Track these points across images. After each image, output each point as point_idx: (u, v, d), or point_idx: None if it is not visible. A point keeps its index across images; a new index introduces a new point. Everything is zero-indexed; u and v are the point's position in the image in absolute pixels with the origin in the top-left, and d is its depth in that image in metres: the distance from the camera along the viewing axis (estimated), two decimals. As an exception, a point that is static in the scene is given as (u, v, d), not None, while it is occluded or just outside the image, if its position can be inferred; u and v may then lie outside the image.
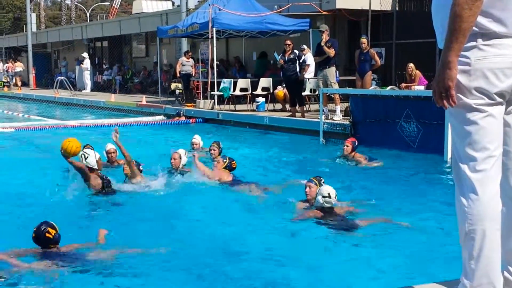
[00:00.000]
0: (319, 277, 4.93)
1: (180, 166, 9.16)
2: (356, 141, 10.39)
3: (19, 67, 38.53)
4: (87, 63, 31.37)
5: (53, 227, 5.39)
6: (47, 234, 5.32)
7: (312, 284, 4.78)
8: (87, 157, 7.98)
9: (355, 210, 6.86)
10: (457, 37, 2.69)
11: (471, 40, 2.78)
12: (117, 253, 5.45)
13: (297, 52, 15.97)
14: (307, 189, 6.96)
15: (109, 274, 5.08)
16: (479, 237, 2.77)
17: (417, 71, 15.01)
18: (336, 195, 6.60)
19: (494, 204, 2.80)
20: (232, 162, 8.64)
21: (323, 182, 7.00)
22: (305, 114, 15.44)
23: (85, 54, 32.29)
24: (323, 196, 6.51)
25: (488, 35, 2.77)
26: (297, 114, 15.42)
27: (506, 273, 2.98)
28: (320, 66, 14.90)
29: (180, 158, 9.26)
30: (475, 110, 2.80)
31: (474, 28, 2.74)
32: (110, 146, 10.01)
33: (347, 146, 10.15)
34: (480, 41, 2.79)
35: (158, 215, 6.91)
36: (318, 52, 14.90)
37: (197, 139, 11.18)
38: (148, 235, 6.07)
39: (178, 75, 21.23)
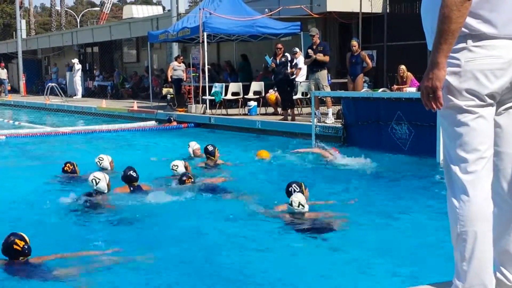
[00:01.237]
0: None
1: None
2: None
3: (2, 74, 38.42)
4: (78, 69, 31.26)
5: (22, 239, 5.23)
6: (15, 246, 5.17)
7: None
8: (98, 182, 7.70)
9: (332, 214, 6.87)
10: (446, 38, 2.70)
11: (461, 41, 2.79)
12: (92, 267, 5.27)
13: (288, 55, 16.01)
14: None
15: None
16: (471, 238, 2.78)
17: (409, 73, 15.05)
18: (303, 204, 6.65)
19: (486, 205, 2.81)
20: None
21: (305, 187, 7.00)
22: (298, 117, 15.45)
23: (75, 60, 32.21)
24: (297, 205, 6.55)
25: (478, 36, 2.78)
26: (288, 117, 15.45)
27: (498, 274, 2.99)
28: (312, 69, 14.93)
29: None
30: (465, 112, 2.81)
31: (463, 29, 2.75)
32: None
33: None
34: (470, 42, 2.80)
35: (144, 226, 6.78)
36: (308, 55, 14.92)
37: (197, 145, 11.13)
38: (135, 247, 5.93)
39: (169, 79, 21.20)
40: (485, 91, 2.79)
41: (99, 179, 7.69)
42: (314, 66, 14.78)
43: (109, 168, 9.75)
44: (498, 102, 2.86)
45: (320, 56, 14.54)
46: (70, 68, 33.66)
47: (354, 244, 5.87)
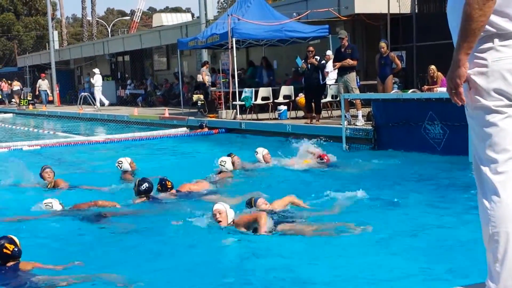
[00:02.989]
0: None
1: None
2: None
3: (16, 85, 39.24)
4: (97, 79, 31.36)
5: (12, 242, 5.18)
6: (5, 250, 5.13)
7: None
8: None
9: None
10: (467, 36, 2.70)
11: (488, 41, 2.78)
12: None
13: (318, 58, 16.01)
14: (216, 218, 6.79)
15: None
16: (503, 239, 2.76)
17: (439, 73, 14.91)
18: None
19: (517, 205, 2.78)
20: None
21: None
22: (328, 120, 15.45)
23: (96, 70, 32.52)
24: None
25: (505, 35, 2.76)
26: (314, 120, 15.45)
27: (532, 275, 2.94)
28: (340, 72, 14.91)
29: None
30: (494, 112, 2.80)
31: (490, 28, 2.74)
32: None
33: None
34: (496, 42, 2.78)
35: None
36: (338, 58, 14.89)
37: (265, 149, 10.92)
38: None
39: (207, 84, 21.23)
40: (513, 91, 2.77)
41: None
42: (343, 69, 14.77)
43: (130, 169, 9.85)
44: (527, 101, 2.83)
45: (348, 62, 14.52)
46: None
47: (387, 244, 5.85)
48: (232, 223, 6.44)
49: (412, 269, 5.06)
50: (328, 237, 6.13)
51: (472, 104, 2.84)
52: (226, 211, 6.48)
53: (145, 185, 8.04)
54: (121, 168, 9.89)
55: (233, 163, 9.86)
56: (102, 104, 28.90)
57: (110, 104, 32.10)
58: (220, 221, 6.43)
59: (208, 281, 5.05)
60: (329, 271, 5.14)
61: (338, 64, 14.61)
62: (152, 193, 8.11)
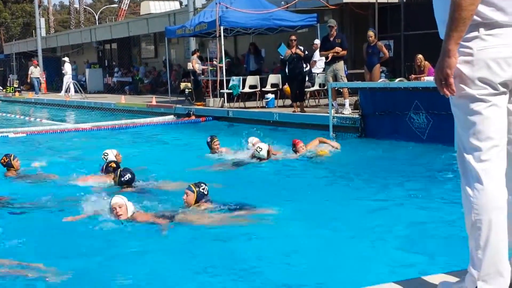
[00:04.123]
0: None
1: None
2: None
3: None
4: (67, 68, 31.17)
5: None
6: None
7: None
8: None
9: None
10: (456, 26, 2.70)
11: (473, 30, 2.78)
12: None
13: (301, 48, 16.00)
14: (184, 196, 6.85)
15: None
16: (485, 227, 2.78)
17: (426, 62, 14.95)
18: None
19: (500, 193, 2.81)
20: (202, 188, 6.91)
21: (202, 189, 6.85)
22: (315, 109, 15.46)
23: (66, 59, 32.20)
24: None
25: (490, 24, 2.77)
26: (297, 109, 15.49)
27: (514, 262, 2.97)
28: (329, 61, 14.86)
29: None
30: (478, 100, 2.81)
31: (476, 17, 2.75)
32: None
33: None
34: (482, 31, 2.79)
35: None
36: (326, 47, 14.87)
37: (256, 138, 10.86)
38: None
39: (199, 72, 21.20)
40: (498, 80, 2.79)
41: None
42: (331, 58, 14.73)
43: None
44: (511, 90, 2.85)
45: (337, 50, 14.48)
46: (89, 65, 33.93)
47: (371, 232, 5.88)
48: (130, 217, 6.37)
49: (395, 256, 5.10)
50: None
51: (456, 93, 2.84)
52: (125, 204, 6.41)
53: (128, 175, 8.03)
54: (106, 159, 9.85)
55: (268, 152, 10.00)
56: (67, 91, 28.94)
57: (98, 92, 32.01)
58: (120, 215, 6.34)
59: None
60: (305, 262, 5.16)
61: (330, 55, 14.54)
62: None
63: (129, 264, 5.28)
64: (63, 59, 32.62)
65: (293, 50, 15.70)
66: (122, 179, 8.01)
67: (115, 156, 9.86)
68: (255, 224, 6.29)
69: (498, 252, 2.79)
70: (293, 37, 15.98)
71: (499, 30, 2.77)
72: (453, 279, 3.07)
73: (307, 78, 16.79)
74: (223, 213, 6.65)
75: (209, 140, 10.94)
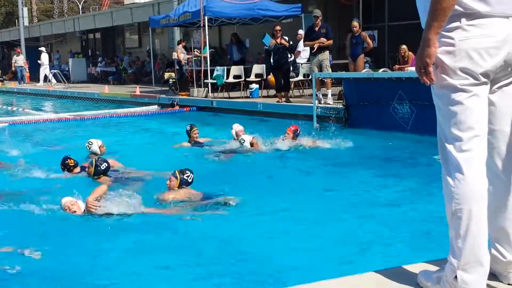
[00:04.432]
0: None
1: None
2: (299, 129, 10.41)
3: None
4: (43, 58, 30.93)
5: None
6: None
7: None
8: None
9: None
10: (437, 16, 2.70)
11: (455, 20, 2.78)
12: None
13: (286, 38, 15.97)
14: (168, 181, 6.95)
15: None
16: (465, 216, 2.78)
17: (410, 53, 15.00)
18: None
19: (480, 183, 2.81)
20: (187, 175, 6.99)
21: (187, 176, 6.93)
22: (300, 99, 15.46)
23: (43, 48, 31.88)
24: None
25: (472, 15, 2.77)
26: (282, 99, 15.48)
27: (493, 251, 2.99)
28: (314, 51, 14.85)
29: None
30: (460, 91, 2.81)
31: (458, 7, 2.75)
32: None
33: (288, 134, 10.18)
34: (464, 21, 2.79)
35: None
36: (311, 37, 14.84)
37: (240, 126, 10.94)
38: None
39: (183, 62, 21.18)
40: (480, 70, 2.79)
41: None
42: (317, 49, 14.70)
43: (99, 152, 9.76)
44: (492, 80, 2.86)
45: (322, 41, 14.46)
46: (72, 54, 33.65)
47: (351, 222, 5.91)
48: (85, 211, 6.41)
49: (375, 246, 5.13)
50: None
51: (438, 83, 2.85)
52: (77, 201, 6.46)
53: (104, 164, 8.04)
54: (89, 149, 9.79)
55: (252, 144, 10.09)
56: (46, 81, 28.79)
57: (81, 82, 31.81)
58: (75, 211, 6.38)
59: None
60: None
61: (316, 46, 14.50)
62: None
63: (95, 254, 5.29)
64: (39, 49, 32.34)
65: (278, 40, 15.67)
66: (98, 168, 8.01)
67: (99, 147, 9.81)
68: (225, 213, 6.33)
69: (478, 242, 2.79)
70: (278, 28, 15.95)
71: (481, 20, 2.77)
72: (433, 268, 3.08)
73: (291, 68, 16.78)
74: (198, 202, 6.66)
75: (188, 128, 10.97)
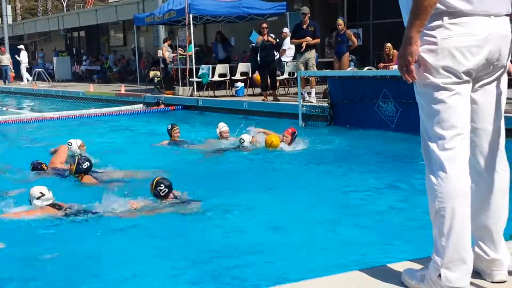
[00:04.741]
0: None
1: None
2: (296, 132, 10.33)
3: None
4: (23, 56, 30.70)
5: None
6: None
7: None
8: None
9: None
10: (419, 14, 2.72)
11: (437, 19, 2.80)
12: None
13: (273, 35, 15.95)
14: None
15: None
16: (449, 214, 2.80)
17: (395, 51, 15.03)
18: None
19: (463, 181, 2.83)
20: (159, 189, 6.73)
21: (159, 189, 6.73)
22: (285, 98, 15.47)
23: (22, 46, 31.61)
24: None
25: (454, 13, 2.79)
26: (269, 98, 15.43)
27: (476, 249, 3.01)
28: (300, 49, 14.84)
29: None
30: (442, 89, 2.83)
31: (440, 6, 2.76)
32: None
33: (286, 137, 10.04)
34: (446, 19, 2.80)
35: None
36: (298, 35, 14.81)
37: (225, 127, 10.92)
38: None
39: (168, 61, 21.14)
40: (462, 68, 2.80)
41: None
42: (302, 47, 14.67)
43: (79, 152, 9.70)
44: (474, 78, 2.88)
45: (308, 40, 14.43)
46: (56, 52, 33.42)
47: (336, 221, 5.92)
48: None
49: (359, 245, 5.15)
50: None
51: (420, 81, 2.86)
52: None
53: (86, 163, 7.98)
54: (69, 149, 9.73)
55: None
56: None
57: (66, 80, 31.63)
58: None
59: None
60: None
61: (304, 44, 14.47)
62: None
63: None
64: (18, 47, 32.12)
65: (265, 37, 15.59)
66: (80, 167, 7.95)
67: (79, 147, 9.73)
68: (198, 215, 6.33)
69: (461, 240, 2.81)
70: (265, 25, 15.91)
71: (463, 19, 2.79)
72: (417, 266, 3.09)
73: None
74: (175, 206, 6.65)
75: (169, 127, 10.96)
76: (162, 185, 6.66)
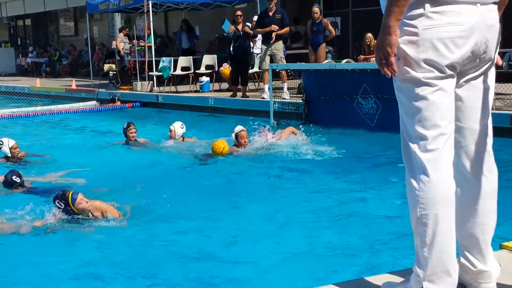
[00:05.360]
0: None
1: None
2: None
3: None
4: None
5: None
6: None
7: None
8: None
9: None
10: (398, 1, 2.71)
11: (418, 7, 2.79)
12: None
13: (249, 24, 15.86)
14: None
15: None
16: (431, 222, 2.80)
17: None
18: None
19: (447, 185, 2.83)
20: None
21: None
22: (255, 93, 15.46)
23: None
24: None
25: (437, 1, 2.77)
26: (238, 93, 15.43)
27: (462, 259, 3.02)
28: (266, 40, 14.81)
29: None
30: (424, 85, 2.82)
31: (421, -9, 2.77)
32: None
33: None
34: (428, 7, 2.78)
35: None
36: (263, 23, 14.77)
37: (174, 126, 10.96)
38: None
39: (122, 53, 21.04)
40: (445, 62, 2.80)
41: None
42: (269, 37, 14.68)
43: (9, 154, 9.55)
44: (459, 73, 2.87)
45: (274, 29, 14.37)
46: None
47: (308, 230, 5.95)
48: None
49: (334, 256, 5.17)
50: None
51: (400, 76, 2.86)
52: None
53: (17, 179, 7.80)
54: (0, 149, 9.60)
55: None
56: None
57: (10, 74, 31.26)
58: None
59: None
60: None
61: (274, 34, 14.43)
62: None
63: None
64: None
65: (239, 27, 15.42)
66: (7, 181, 7.80)
67: (11, 149, 9.54)
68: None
69: (445, 250, 2.81)
70: (239, 13, 15.76)
71: (446, 7, 2.78)
72: (397, 279, 3.10)
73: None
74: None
75: (125, 126, 10.94)
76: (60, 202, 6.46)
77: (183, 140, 10.89)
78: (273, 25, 14.46)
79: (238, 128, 10.02)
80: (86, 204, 6.40)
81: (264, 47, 14.96)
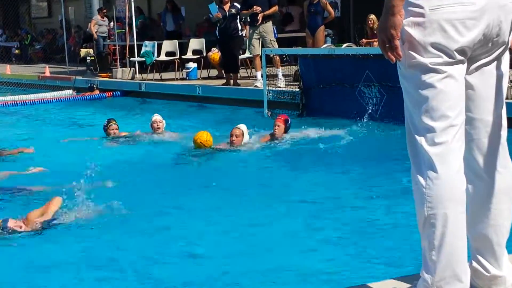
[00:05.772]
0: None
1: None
2: (289, 120, 10.42)
3: None
4: None
5: None
6: None
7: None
8: None
9: None
10: None
11: (425, -16, 2.79)
12: None
13: (238, 6, 15.75)
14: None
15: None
16: (440, 222, 2.80)
17: (380, 24, 15.14)
18: None
19: (457, 182, 2.83)
20: None
21: None
22: (247, 81, 15.45)
23: None
24: None
25: (445, -22, 2.78)
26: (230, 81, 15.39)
27: (474, 264, 3.03)
28: (253, 21, 14.64)
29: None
30: (431, 71, 2.81)
31: (428, -32, 2.76)
32: None
33: (279, 126, 10.10)
34: (435, -15, 2.79)
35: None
36: (248, 3, 14.61)
37: (157, 117, 11.05)
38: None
39: (95, 37, 21.04)
40: (454, 46, 2.78)
41: None
42: (255, 19, 14.49)
43: None
44: (469, 58, 2.86)
45: (256, 10, 14.25)
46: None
47: (315, 233, 5.95)
48: None
49: (336, 261, 5.18)
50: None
51: (405, 62, 2.85)
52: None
53: None
54: None
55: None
56: None
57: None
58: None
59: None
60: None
61: (260, 16, 14.29)
62: None
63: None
64: None
65: (226, 7, 15.17)
66: None
67: None
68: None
69: (455, 253, 2.82)
70: (226, -7, 15.68)
71: (456, -16, 2.76)
72: (403, 285, 3.11)
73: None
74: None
75: (105, 123, 11.03)
76: None
77: (165, 133, 10.92)
78: (255, 7, 14.30)
79: (237, 126, 10.07)
80: (23, 225, 6.35)
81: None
